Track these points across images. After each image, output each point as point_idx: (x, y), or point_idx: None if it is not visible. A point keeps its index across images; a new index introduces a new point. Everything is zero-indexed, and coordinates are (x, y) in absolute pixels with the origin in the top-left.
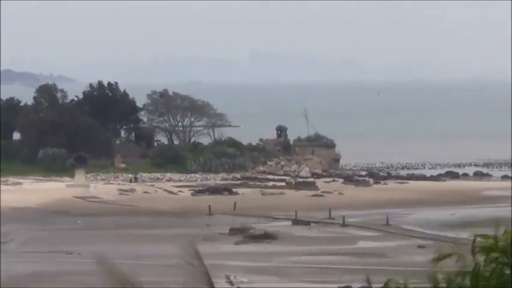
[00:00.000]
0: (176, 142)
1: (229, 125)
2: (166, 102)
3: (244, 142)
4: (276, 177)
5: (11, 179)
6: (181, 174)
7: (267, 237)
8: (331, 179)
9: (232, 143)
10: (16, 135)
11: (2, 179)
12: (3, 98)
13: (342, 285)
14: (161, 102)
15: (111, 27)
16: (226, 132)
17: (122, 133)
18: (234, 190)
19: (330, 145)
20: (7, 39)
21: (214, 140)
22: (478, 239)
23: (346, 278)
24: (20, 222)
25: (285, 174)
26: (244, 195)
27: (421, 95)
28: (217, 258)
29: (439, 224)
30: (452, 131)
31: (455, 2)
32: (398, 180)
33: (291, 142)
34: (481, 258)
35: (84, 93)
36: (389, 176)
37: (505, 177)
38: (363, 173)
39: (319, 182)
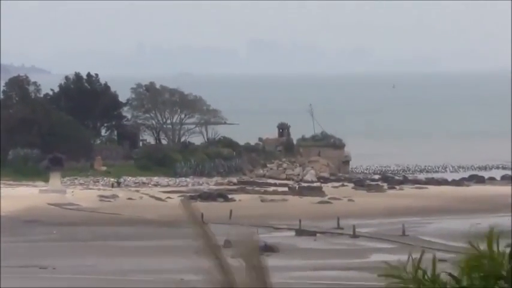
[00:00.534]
0: (164, 142)
1: (225, 123)
2: (153, 97)
3: (242, 142)
4: (278, 182)
5: None
6: (170, 179)
7: (267, 249)
8: (339, 184)
9: (228, 142)
10: None
11: None
12: None
13: None
14: (147, 97)
15: (90, 12)
16: (221, 131)
17: (103, 131)
18: (229, 196)
19: (338, 145)
20: None
21: (208, 139)
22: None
23: None
24: None
25: (287, 178)
26: (241, 202)
27: (441, 89)
28: None
29: (462, 235)
30: (477, 129)
31: None
32: (416, 185)
33: (295, 142)
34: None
35: (59, 86)
36: (405, 180)
37: None
38: (376, 176)
39: (327, 187)
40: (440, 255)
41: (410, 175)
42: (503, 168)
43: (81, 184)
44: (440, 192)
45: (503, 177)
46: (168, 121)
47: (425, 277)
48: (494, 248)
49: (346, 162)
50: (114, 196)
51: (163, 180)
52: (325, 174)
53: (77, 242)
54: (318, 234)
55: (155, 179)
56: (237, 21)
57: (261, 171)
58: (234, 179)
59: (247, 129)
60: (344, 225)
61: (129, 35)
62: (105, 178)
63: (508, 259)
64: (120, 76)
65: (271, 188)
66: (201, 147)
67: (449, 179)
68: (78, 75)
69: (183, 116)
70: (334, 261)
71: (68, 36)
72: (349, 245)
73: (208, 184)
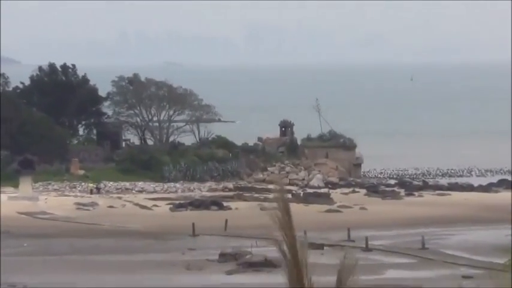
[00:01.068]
0: (150, 142)
1: (219, 120)
2: (138, 91)
3: (239, 142)
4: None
5: None
6: (156, 184)
7: (267, 264)
8: (350, 190)
9: (223, 143)
10: None
11: None
12: None
13: None
14: (131, 91)
15: None
16: (215, 129)
17: (81, 130)
18: (225, 204)
19: (349, 146)
20: None
21: (200, 139)
22: None
23: None
24: None
25: (290, 184)
26: (238, 211)
27: (466, 81)
28: None
29: (490, 248)
30: (508, 128)
31: None
32: (438, 192)
33: (299, 142)
34: None
35: (31, 78)
36: (425, 186)
37: None
38: (392, 181)
39: (335, 194)
40: (465, 272)
41: (431, 180)
42: None
43: (55, 190)
44: (465, 200)
45: None
46: (155, 118)
47: None
48: None
49: (358, 165)
50: (93, 204)
51: (149, 185)
52: (334, 179)
53: (51, 256)
54: (325, 248)
55: (140, 184)
56: (233, 4)
57: (260, 176)
58: (230, 185)
59: (245, 127)
60: (355, 237)
61: (110, 21)
62: (83, 183)
63: None
64: (100, 67)
65: (272, 195)
66: (192, 148)
67: (476, 185)
68: (52, 66)
69: (171, 112)
70: None
71: (41, 22)
72: (362, 260)
73: (201, 190)
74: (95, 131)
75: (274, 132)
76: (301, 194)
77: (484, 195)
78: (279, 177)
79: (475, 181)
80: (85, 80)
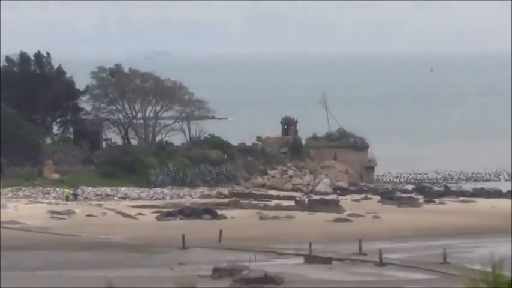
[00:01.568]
0: (134, 142)
1: (213, 117)
2: (120, 83)
3: (235, 142)
4: (281, 194)
5: None
6: (141, 189)
7: (267, 281)
8: (362, 196)
9: (217, 142)
10: None
11: None
12: None
13: None
14: (112, 83)
15: None
16: (208, 127)
17: (55, 129)
18: (219, 212)
19: (360, 146)
20: None
21: (191, 138)
22: None
23: None
24: None
25: (294, 189)
26: (235, 220)
27: (491, 72)
28: None
29: None
30: None
31: None
32: (461, 198)
33: (303, 141)
34: None
35: None
36: (447, 192)
37: None
38: (409, 187)
39: (345, 201)
40: None
41: (454, 185)
42: None
43: (26, 196)
44: (492, 208)
45: None
46: (140, 115)
47: None
48: None
49: (371, 168)
50: (70, 212)
51: (133, 191)
52: (343, 184)
53: (21, 271)
54: (333, 262)
55: (122, 189)
56: None
57: (259, 180)
58: (225, 190)
59: (242, 125)
60: (368, 250)
61: (89, 4)
62: (58, 189)
63: None
64: (78, 57)
65: (273, 202)
66: (182, 148)
67: (504, 190)
68: (23, 55)
69: (158, 108)
70: None
71: (11, 7)
72: (375, 276)
73: (192, 197)
74: (71, 130)
75: (275, 131)
76: (306, 201)
77: None
78: (280, 181)
79: (504, 186)
80: (60, 71)
